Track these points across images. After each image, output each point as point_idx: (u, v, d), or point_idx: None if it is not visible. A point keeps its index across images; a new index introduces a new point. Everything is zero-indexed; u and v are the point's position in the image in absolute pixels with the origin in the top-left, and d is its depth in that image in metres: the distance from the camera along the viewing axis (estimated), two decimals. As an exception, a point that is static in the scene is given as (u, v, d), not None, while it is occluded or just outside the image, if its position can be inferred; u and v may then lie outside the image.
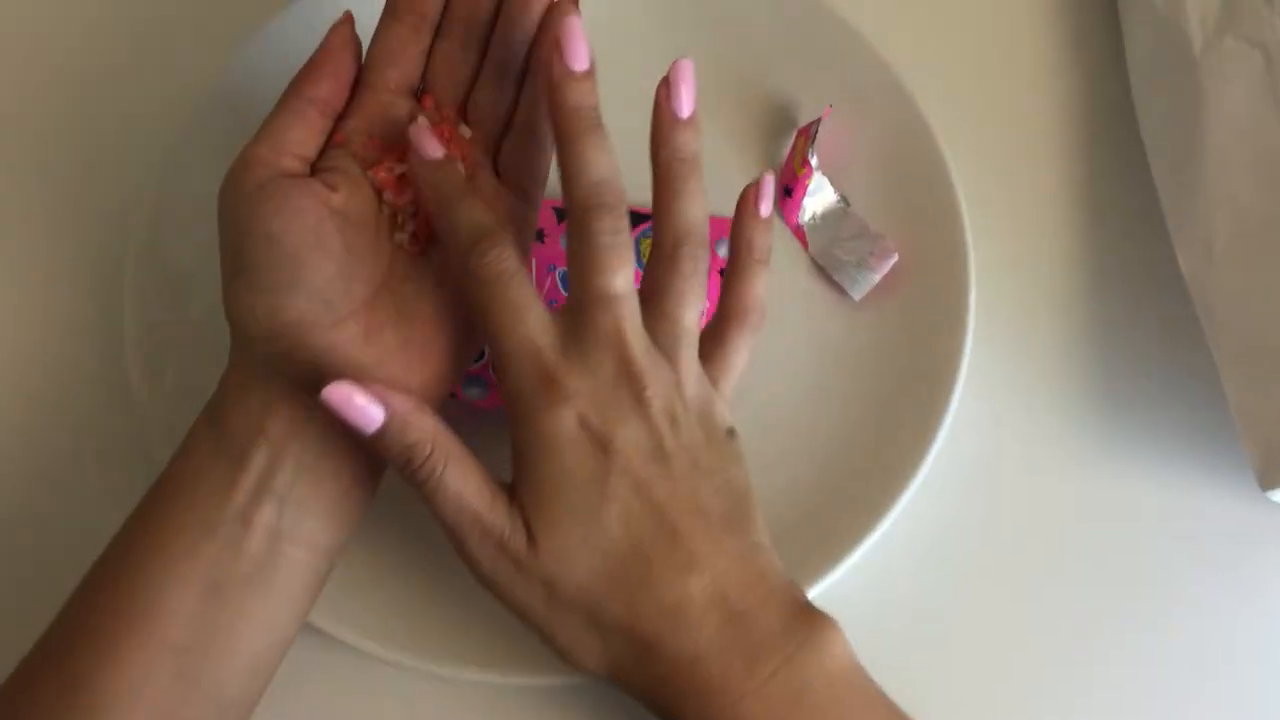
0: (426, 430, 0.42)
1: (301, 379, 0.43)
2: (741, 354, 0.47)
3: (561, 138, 0.44)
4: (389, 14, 0.47)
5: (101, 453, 0.56)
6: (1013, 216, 0.60)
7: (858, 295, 0.57)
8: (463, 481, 0.42)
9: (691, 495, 0.43)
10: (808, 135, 0.58)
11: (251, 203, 0.43)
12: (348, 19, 0.47)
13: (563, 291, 0.57)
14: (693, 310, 0.45)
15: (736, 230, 0.48)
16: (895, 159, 0.58)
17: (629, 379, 0.43)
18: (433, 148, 0.45)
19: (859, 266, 0.57)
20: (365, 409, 0.41)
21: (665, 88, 0.45)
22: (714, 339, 0.47)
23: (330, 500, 0.44)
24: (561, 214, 0.56)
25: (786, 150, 0.60)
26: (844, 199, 0.58)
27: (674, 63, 0.45)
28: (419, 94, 0.48)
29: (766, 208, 0.48)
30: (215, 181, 0.45)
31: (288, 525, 0.43)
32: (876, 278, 0.57)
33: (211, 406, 0.45)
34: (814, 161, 0.58)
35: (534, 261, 0.56)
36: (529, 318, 0.43)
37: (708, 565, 0.42)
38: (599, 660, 0.43)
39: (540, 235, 0.57)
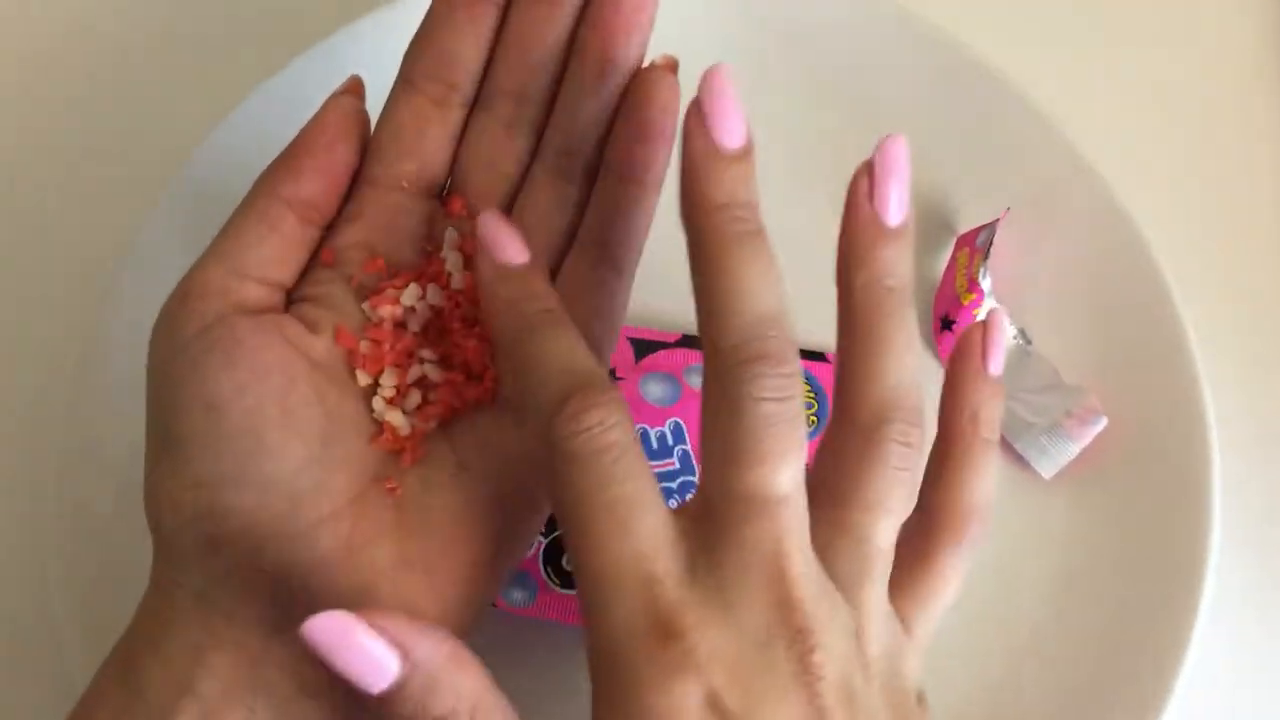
0: (465, 694, 0.30)
1: (248, 615, 0.32)
2: (953, 582, 0.35)
3: (702, 250, 0.32)
4: (404, 81, 0.36)
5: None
6: (1258, 363, 0.49)
7: (1049, 472, 0.46)
8: None
9: None
10: (976, 247, 0.46)
11: (190, 355, 0.33)
12: (353, 87, 0.36)
13: None
14: (892, 524, 0.32)
15: (953, 393, 0.36)
16: (1097, 282, 0.47)
17: (789, 634, 0.30)
18: (514, 248, 0.34)
19: (1051, 433, 0.45)
20: (371, 655, 0.28)
21: (866, 178, 0.33)
22: (916, 557, 0.34)
23: None
24: (642, 347, 0.45)
25: (943, 266, 0.49)
26: (1025, 336, 0.47)
27: (883, 142, 0.33)
28: (445, 194, 0.37)
29: (997, 363, 0.35)
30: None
31: None
32: (1076, 449, 0.45)
33: (121, 651, 0.34)
34: (985, 284, 0.46)
35: None
36: (643, 524, 0.30)
37: None
38: None
39: (611, 377, 0.43)
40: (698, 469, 0.42)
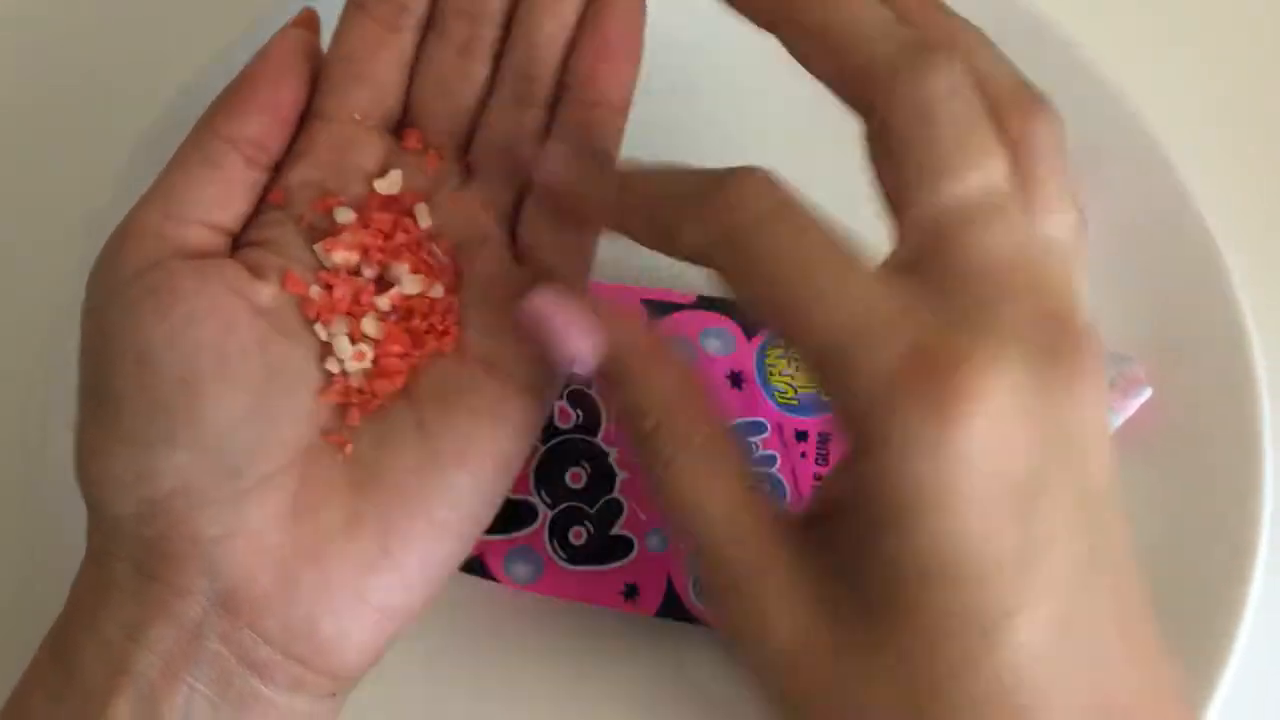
0: (655, 392, 0.29)
1: (187, 585, 0.30)
2: None
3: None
4: (352, 4, 0.34)
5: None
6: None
7: None
8: (701, 487, 0.28)
9: (1124, 597, 0.27)
10: None
11: (123, 300, 0.30)
12: (305, 19, 0.34)
13: None
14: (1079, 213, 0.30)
15: None
16: (1143, 244, 0.44)
17: (1063, 354, 0.27)
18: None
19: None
20: (574, 338, 0.30)
21: None
22: None
23: None
24: (657, 309, 0.42)
25: None
26: None
27: None
28: (399, 126, 0.35)
29: None
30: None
31: None
32: (1118, 421, 0.42)
33: (57, 629, 0.31)
34: None
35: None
36: (850, 268, 0.27)
37: None
38: None
39: None
40: None
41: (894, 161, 0.27)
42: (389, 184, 0.33)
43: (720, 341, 0.41)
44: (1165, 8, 0.50)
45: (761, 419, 0.40)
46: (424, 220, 0.33)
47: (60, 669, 0.31)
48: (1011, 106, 0.29)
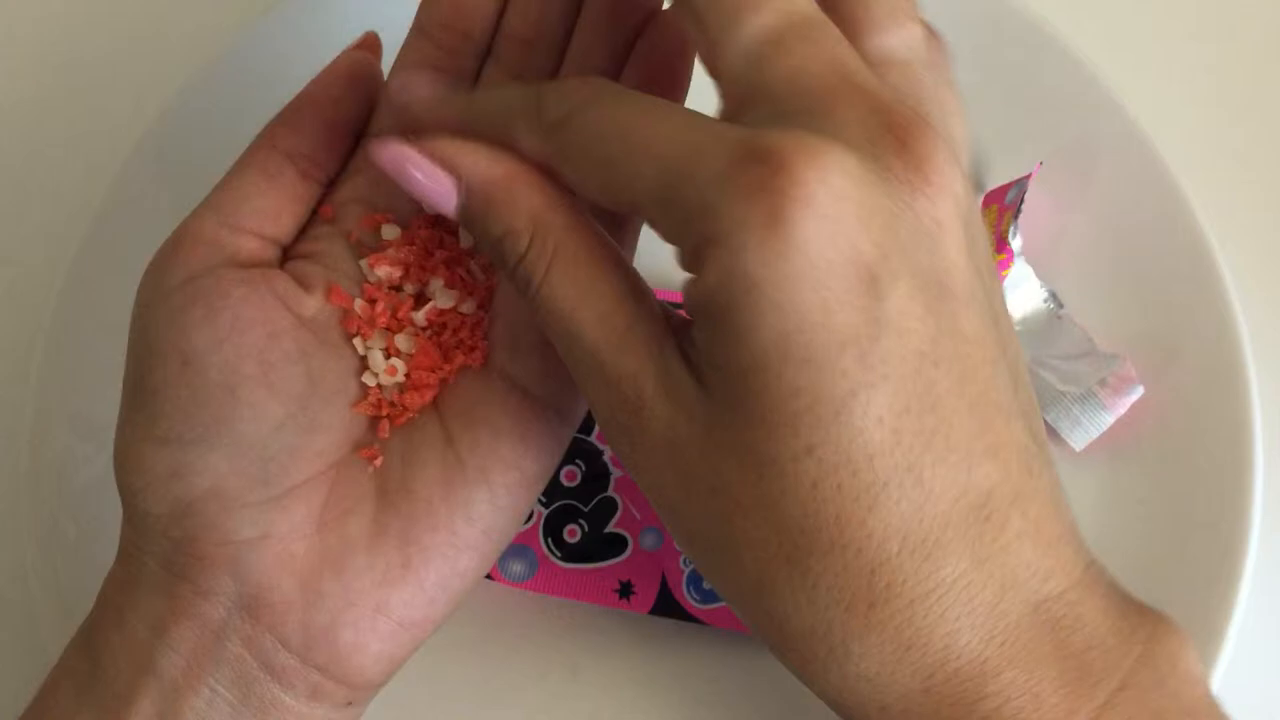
0: (522, 212, 0.29)
1: (214, 586, 0.31)
2: None
3: None
4: (417, 30, 0.35)
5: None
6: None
7: (1081, 444, 0.43)
8: (578, 292, 0.29)
9: (985, 382, 0.27)
10: (1005, 205, 0.43)
11: (173, 305, 0.31)
12: (368, 42, 0.35)
13: None
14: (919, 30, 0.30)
15: None
16: (1134, 243, 0.44)
17: (895, 132, 0.27)
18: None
19: (1084, 402, 0.42)
20: (429, 178, 0.30)
21: None
22: None
23: None
24: None
25: None
26: (1056, 299, 0.44)
27: None
28: None
29: None
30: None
31: None
32: (1109, 419, 0.42)
33: (86, 625, 0.32)
34: (1015, 244, 0.43)
35: None
36: (670, 113, 0.28)
37: (1009, 517, 0.27)
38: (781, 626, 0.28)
39: None
40: None
41: (697, 19, 0.28)
42: None
43: None
44: (1157, 7, 0.50)
45: None
46: (466, 240, 0.34)
47: (87, 663, 0.31)
48: None
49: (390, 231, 0.33)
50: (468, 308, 0.33)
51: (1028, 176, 0.43)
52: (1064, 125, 0.45)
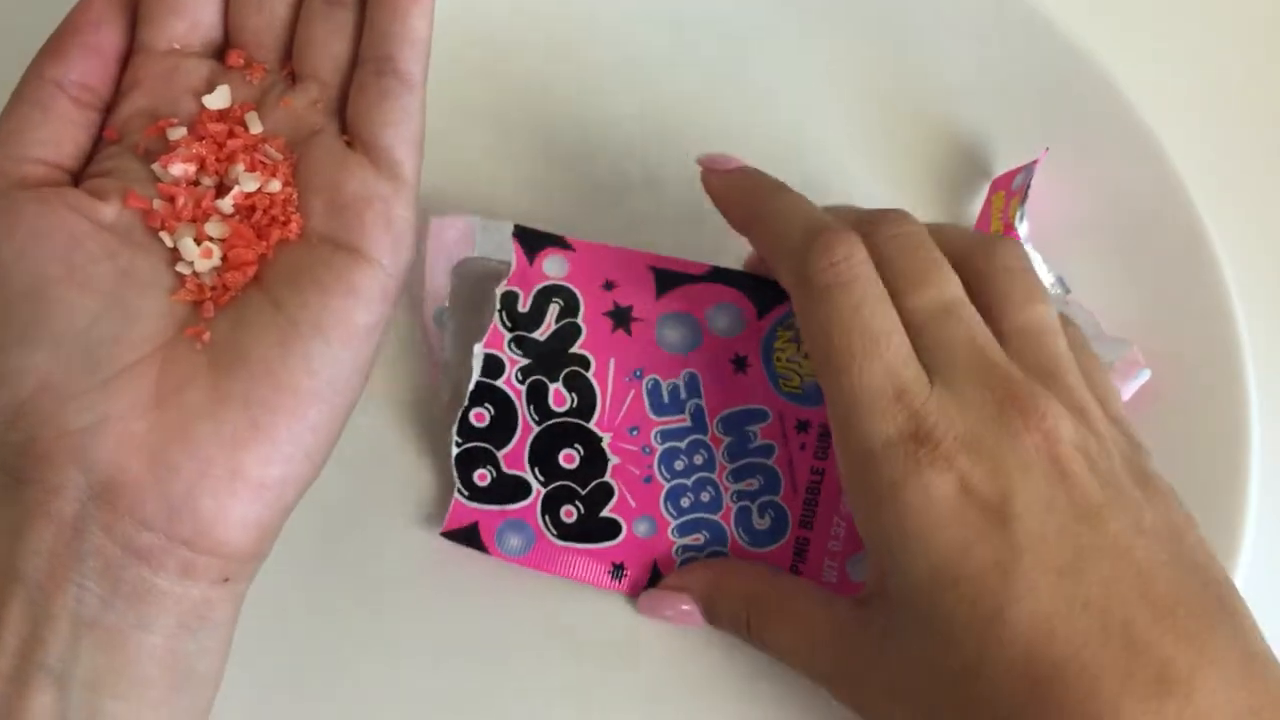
0: (737, 595, 0.38)
1: (63, 482, 0.30)
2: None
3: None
4: None
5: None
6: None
7: None
8: (791, 636, 0.37)
9: (1146, 572, 0.31)
10: (1012, 190, 0.43)
11: None
12: None
13: (650, 414, 0.41)
14: (1052, 310, 0.36)
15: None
16: (1140, 228, 0.43)
17: (1019, 407, 0.33)
18: (725, 160, 0.38)
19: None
20: (680, 610, 0.39)
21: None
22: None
23: (145, 670, 0.31)
24: (666, 279, 0.41)
25: (977, 211, 0.45)
26: (1063, 284, 0.44)
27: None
28: (220, 52, 0.36)
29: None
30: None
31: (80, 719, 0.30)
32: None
33: None
34: (1022, 230, 0.43)
35: (611, 361, 0.40)
36: (892, 343, 0.33)
37: (1193, 685, 0.30)
38: None
39: (624, 317, 0.41)
40: (709, 425, 0.39)
41: (892, 275, 0.34)
42: (218, 98, 0.35)
43: (728, 319, 0.40)
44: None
45: (763, 407, 0.40)
46: (255, 126, 0.34)
47: None
48: (975, 249, 0.35)
49: (176, 133, 0.34)
50: (273, 187, 0.34)
51: (1034, 162, 0.43)
52: (1068, 112, 0.44)
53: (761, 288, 0.40)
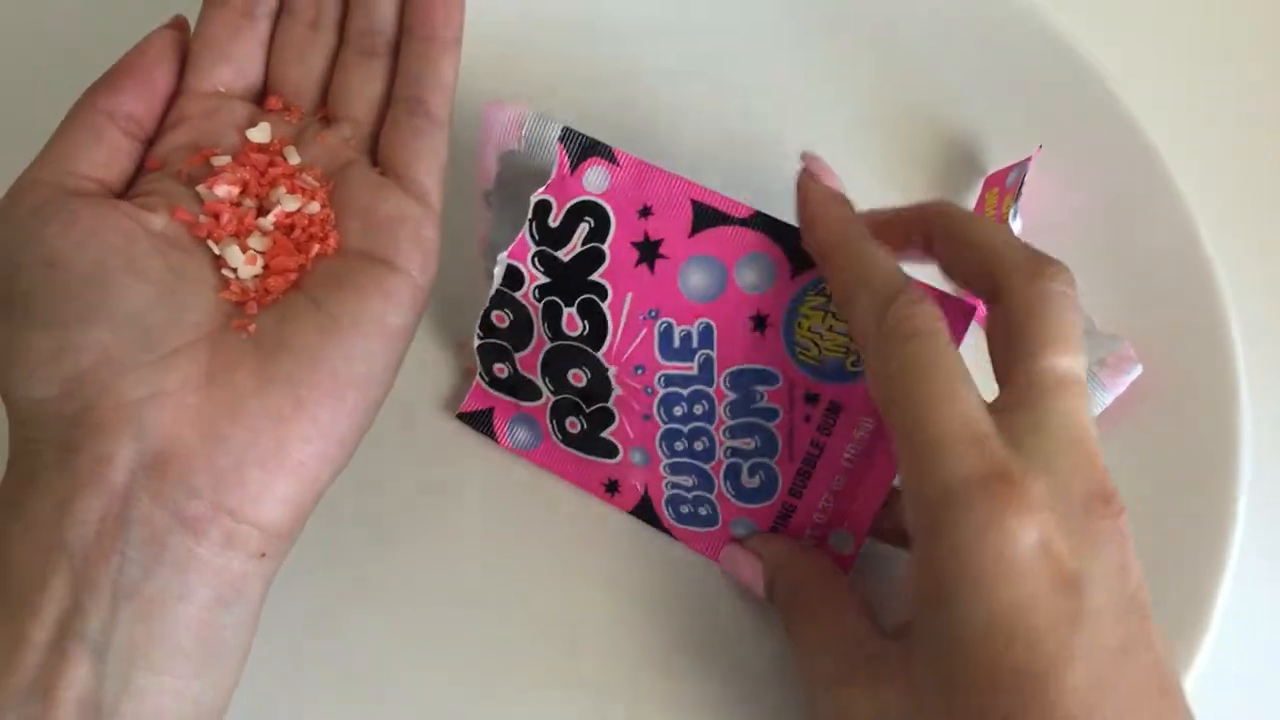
0: (791, 579, 0.39)
1: (112, 452, 0.32)
2: None
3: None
4: (208, 3, 0.39)
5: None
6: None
7: None
8: (816, 627, 0.37)
9: (1155, 671, 0.32)
10: (1005, 188, 0.44)
11: (25, 227, 0.33)
12: (179, 23, 0.39)
13: (658, 357, 0.39)
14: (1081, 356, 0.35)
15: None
16: (1133, 226, 0.44)
17: (1104, 497, 0.33)
18: (834, 177, 0.38)
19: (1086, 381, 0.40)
20: (745, 566, 0.40)
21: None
22: None
23: (180, 641, 0.32)
24: (704, 216, 0.39)
25: (970, 208, 0.46)
26: None
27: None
28: (261, 97, 0.40)
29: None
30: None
31: (113, 691, 0.31)
32: (1109, 398, 0.42)
33: None
34: (1016, 226, 0.43)
35: (628, 296, 0.39)
36: (969, 393, 0.33)
37: None
38: None
39: (651, 251, 0.39)
40: (716, 378, 0.38)
41: (1014, 333, 0.34)
42: (260, 132, 0.37)
43: (757, 273, 0.38)
44: None
45: (775, 370, 0.38)
46: (293, 158, 0.37)
47: None
48: (1023, 263, 0.35)
49: (220, 160, 0.36)
50: (312, 209, 0.36)
51: (1028, 159, 0.43)
52: (1060, 109, 0.45)
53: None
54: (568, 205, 0.38)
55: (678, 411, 0.39)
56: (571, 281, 0.39)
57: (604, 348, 0.39)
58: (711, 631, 0.40)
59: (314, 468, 0.34)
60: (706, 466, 0.39)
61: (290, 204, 0.36)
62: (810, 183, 0.37)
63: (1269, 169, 0.49)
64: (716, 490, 0.40)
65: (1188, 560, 0.40)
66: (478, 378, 0.41)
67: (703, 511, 0.40)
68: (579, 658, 0.40)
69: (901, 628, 0.35)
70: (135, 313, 0.33)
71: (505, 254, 0.39)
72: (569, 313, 0.39)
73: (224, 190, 0.36)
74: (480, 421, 0.41)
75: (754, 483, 0.39)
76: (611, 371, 0.39)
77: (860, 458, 0.38)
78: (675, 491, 0.40)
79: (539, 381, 0.40)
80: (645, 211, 0.38)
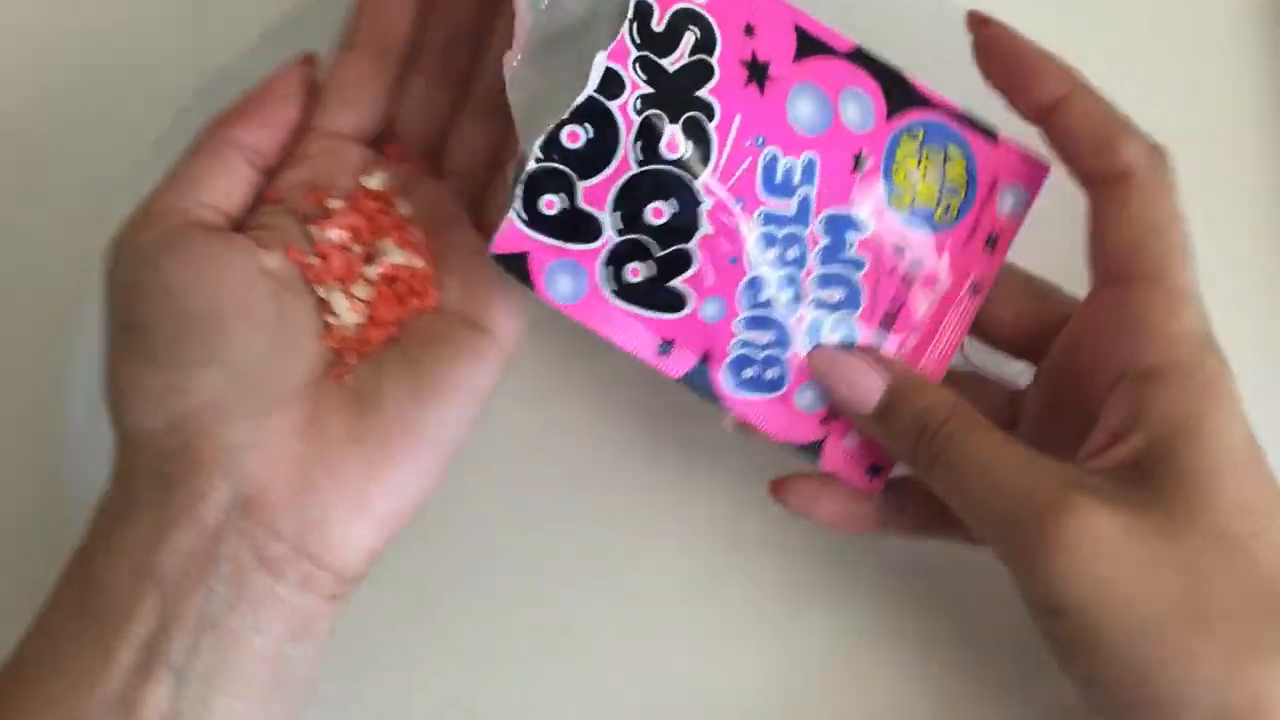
0: (941, 391, 0.37)
1: (208, 489, 0.34)
2: None
3: None
4: (345, 45, 0.40)
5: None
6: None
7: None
8: (992, 438, 0.35)
9: None
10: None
11: (151, 255, 0.35)
12: (309, 59, 0.40)
13: (760, 191, 0.36)
14: None
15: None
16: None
17: None
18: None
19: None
20: (860, 375, 0.37)
21: None
22: None
23: (254, 670, 0.34)
24: (806, 44, 0.36)
25: None
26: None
27: None
28: (381, 141, 0.41)
29: None
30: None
31: (190, 713, 0.33)
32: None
33: (78, 552, 0.35)
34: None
35: (737, 117, 0.35)
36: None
37: None
38: None
39: (761, 72, 0.36)
40: (812, 220, 0.36)
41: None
42: (375, 180, 0.38)
43: (858, 111, 0.36)
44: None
45: (868, 216, 0.37)
46: (404, 209, 0.38)
47: (84, 581, 0.34)
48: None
49: (335, 203, 0.38)
50: (416, 264, 0.37)
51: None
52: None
53: (898, 85, 0.37)
54: (671, 10, 0.35)
55: (770, 255, 0.36)
56: (677, 95, 0.34)
57: (705, 175, 0.35)
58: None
59: (391, 521, 0.36)
60: (788, 321, 0.37)
61: (396, 256, 0.37)
62: (992, 31, 0.37)
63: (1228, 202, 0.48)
64: (792, 349, 0.37)
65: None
66: (512, 214, 0.35)
67: (770, 374, 0.37)
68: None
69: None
70: (246, 361, 0.34)
71: (604, 54, 0.34)
72: (672, 131, 0.34)
73: (335, 234, 0.37)
74: (514, 266, 0.35)
75: (834, 340, 0.37)
76: (706, 205, 0.35)
77: (932, 319, 0.38)
78: (744, 351, 0.37)
79: (604, 216, 0.35)
80: (749, 30, 0.35)
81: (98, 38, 0.52)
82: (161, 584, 0.33)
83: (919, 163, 0.37)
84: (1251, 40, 0.50)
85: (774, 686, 0.42)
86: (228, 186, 0.37)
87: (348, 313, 0.37)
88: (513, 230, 0.35)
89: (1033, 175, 0.39)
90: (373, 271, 0.37)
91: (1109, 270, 0.36)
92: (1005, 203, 0.39)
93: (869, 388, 0.36)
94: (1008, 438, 0.35)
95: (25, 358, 0.48)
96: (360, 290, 0.37)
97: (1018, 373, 0.41)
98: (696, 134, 0.35)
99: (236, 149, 0.37)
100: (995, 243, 0.39)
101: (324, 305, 0.37)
